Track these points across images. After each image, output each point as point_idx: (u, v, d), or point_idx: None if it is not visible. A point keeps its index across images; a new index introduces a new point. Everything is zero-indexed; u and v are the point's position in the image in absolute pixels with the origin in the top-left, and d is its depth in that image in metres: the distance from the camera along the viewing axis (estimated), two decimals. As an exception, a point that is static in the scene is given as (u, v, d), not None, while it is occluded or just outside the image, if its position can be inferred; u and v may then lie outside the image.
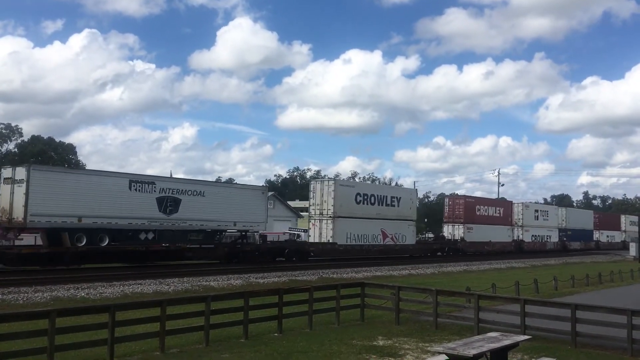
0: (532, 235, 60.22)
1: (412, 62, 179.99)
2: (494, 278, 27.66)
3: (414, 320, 15.92)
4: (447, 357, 9.02)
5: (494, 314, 14.95)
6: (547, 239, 63.41)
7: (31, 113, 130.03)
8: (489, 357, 9.43)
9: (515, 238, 57.82)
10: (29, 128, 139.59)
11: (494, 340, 9.67)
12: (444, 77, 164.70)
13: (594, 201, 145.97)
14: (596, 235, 72.56)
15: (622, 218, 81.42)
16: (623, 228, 79.56)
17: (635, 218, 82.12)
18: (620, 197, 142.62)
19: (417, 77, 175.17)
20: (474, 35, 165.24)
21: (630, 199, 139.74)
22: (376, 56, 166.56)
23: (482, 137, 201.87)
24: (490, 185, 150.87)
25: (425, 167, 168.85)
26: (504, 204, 60.64)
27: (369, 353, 11.76)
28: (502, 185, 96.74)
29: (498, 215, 55.48)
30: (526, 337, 11.08)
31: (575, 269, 37.17)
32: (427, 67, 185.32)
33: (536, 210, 62.80)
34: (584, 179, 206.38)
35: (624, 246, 70.41)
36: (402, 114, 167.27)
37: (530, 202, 70.06)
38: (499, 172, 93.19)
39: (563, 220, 66.95)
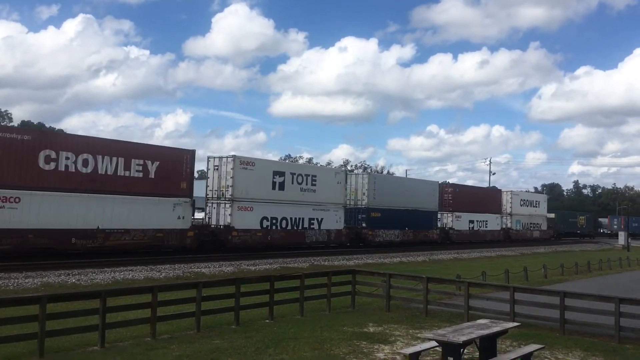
0: (521, 224, 60.21)
1: (407, 51, 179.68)
2: (485, 266, 27.89)
3: (405, 307, 16.02)
4: (437, 344, 9.10)
5: (483, 302, 15.06)
6: (536, 227, 63.55)
7: (23, 98, 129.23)
8: (478, 343, 9.52)
9: (504, 226, 57.35)
10: (21, 113, 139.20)
11: (483, 327, 9.75)
12: (439, 66, 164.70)
13: (584, 190, 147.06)
14: (447, 219, 49.47)
15: (505, 195, 59.28)
16: (507, 209, 58.56)
17: (532, 196, 67.71)
18: (610, 187, 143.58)
19: (412, 66, 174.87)
20: (470, 24, 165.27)
21: (620, 188, 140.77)
22: (372, 44, 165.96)
23: (475, 126, 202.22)
24: (482, 174, 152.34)
25: (418, 156, 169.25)
26: (493, 192, 60.60)
27: (359, 339, 11.83)
28: (494, 174, 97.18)
29: (488, 203, 54.97)
30: (515, 324, 11.18)
31: (564, 257, 37.51)
32: (423, 56, 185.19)
33: (523, 200, 61.91)
34: (575, 168, 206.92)
35: (506, 236, 56.99)
36: (396, 103, 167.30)
37: (520, 191, 68.93)
38: (490, 161, 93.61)
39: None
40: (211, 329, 12.41)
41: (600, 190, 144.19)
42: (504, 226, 57.27)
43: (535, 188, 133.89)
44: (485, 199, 55.11)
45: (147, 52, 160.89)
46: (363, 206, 39.79)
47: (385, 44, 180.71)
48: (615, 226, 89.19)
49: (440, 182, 52.12)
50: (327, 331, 12.54)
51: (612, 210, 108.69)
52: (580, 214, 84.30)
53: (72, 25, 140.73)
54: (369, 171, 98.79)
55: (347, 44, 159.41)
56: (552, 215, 70.35)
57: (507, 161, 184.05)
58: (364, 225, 39.45)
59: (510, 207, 58.06)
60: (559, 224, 70.88)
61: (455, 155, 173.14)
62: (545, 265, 27.34)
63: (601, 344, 12.29)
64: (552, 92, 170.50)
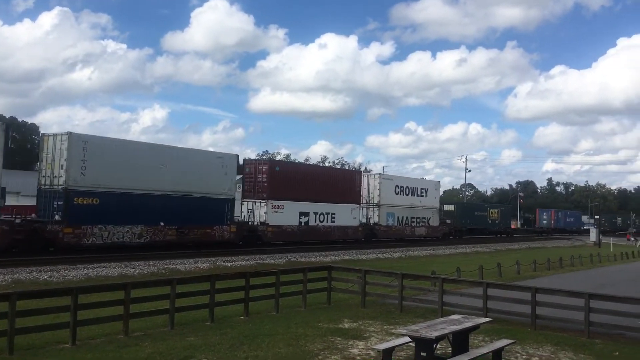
0: (396, 218, 46.19)
1: (386, 48, 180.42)
2: (460, 262, 28.17)
3: (380, 304, 16.11)
4: (410, 339, 9.17)
5: (457, 297, 15.23)
6: (422, 222, 49.69)
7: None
8: (450, 339, 9.62)
9: (365, 221, 43.56)
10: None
11: (456, 322, 9.86)
12: (418, 64, 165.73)
13: (557, 187, 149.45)
14: (259, 210, 34.46)
15: (369, 180, 45.22)
16: (373, 198, 44.65)
17: (416, 183, 50.93)
18: (582, 184, 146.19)
19: (392, 63, 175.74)
20: (449, 23, 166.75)
21: (592, 185, 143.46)
22: (352, 41, 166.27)
23: (453, 123, 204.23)
24: (458, 171, 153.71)
25: (396, 152, 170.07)
26: (348, 175, 43.64)
27: (334, 335, 11.87)
28: (470, 171, 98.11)
29: (338, 190, 39.53)
30: (487, 319, 11.33)
31: (538, 254, 38.08)
32: (402, 54, 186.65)
33: (400, 186, 47.21)
34: (549, 165, 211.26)
35: (369, 234, 43.07)
36: (375, 100, 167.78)
37: (394, 175, 52.92)
38: (466, 158, 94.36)
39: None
40: (185, 326, 12.32)
41: (573, 188, 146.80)
42: (365, 220, 43.59)
43: (510, 185, 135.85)
44: (332, 183, 39.29)
45: (124, 46, 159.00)
46: (59, 187, 24.82)
47: (364, 41, 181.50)
48: (544, 221, 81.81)
49: (247, 158, 37.56)
50: (302, 327, 12.55)
51: (585, 207, 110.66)
52: (491, 206, 71.52)
53: (49, 19, 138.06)
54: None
55: (327, 41, 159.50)
56: (451, 208, 59.68)
57: (484, 158, 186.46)
58: (57, 218, 24.39)
59: (379, 196, 44.21)
60: (460, 218, 57.81)
61: (433, 152, 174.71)
62: (518, 261, 27.73)
63: (571, 338, 12.51)
64: (528, 90, 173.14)
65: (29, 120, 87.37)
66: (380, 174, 48.78)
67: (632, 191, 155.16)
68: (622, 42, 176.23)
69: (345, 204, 40.15)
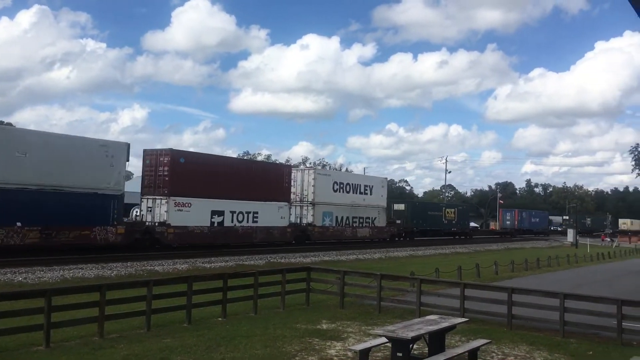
0: (334, 218, 41.30)
1: (368, 50, 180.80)
2: (439, 263, 28.37)
3: (359, 304, 16.14)
4: (387, 340, 9.20)
5: (435, 298, 15.32)
6: (365, 222, 44.97)
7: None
8: (427, 339, 9.67)
9: (297, 221, 38.86)
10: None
11: (432, 322, 9.91)
12: (399, 65, 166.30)
13: (535, 189, 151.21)
14: (159, 209, 29.57)
15: (302, 175, 40.33)
16: (307, 196, 39.66)
17: (358, 179, 46.59)
18: (560, 185, 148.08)
19: (373, 65, 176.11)
20: (430, 24, 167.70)
21: (570, 187, 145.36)
22: (333, 42, 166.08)
23: (434, 125, 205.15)
24: (439, 172, 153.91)
25: (377, 154, 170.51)
26: (274, 169, 39.05)
27: (312, 336, 11.86)
28: (450, 172, 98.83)
29: (262, 186, 34.30)
30: (464, 319, 11.40)
31: (515, 255, 38.50)
32: (383, 55, 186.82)
33: (339, 183, 42.47)
34: (528, 167, 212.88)
35: (302, 236, 38.32)
36: (356, 101, 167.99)
37: (331, 171, 48.24)
38: (446, 160, 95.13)
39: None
40: (162, 327, 12.22)
41: (551, 189, 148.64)
42: (297, 220, 38.97)
43: (490, 186, 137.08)
44: (254, 179, 34.00)
45: (104, 45, 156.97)
46: None
47: (346, 43, 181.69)
48: (508, 222, 77.75)
49: (147, 149, 30.87)
50: (280, 329, 12.52)
51: (562, 209, 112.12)
52: (447, 205, 65.96)
53: (27, 17, 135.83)
54: None
55: (309, 42, 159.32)
56: (402, 207, 54.55)
57: (464, 160, 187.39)
58: None
59: (313, 194, 39.17)
60: (411, 218, 53.52)
61: (414, 153, 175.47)
62: (496, 262, 28.00)
63: (546, 338, 12.66)
64: (508, 93, 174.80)
65: (6, 120, 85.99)
66: (314, 168, 43.21)
67: (609, 192, 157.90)
68: (600, 45, 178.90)
69: (271, 202, 35.04)
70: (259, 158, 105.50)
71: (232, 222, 32.93)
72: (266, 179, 35.22)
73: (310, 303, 16.10)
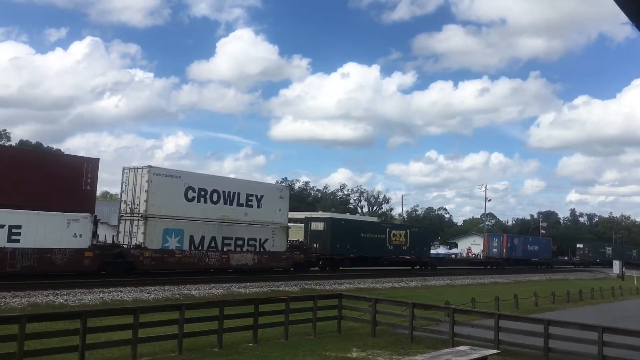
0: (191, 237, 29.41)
1: (408, 78, 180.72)
2: (476, 293, 27.83)
3: (391, 333, 15.97)
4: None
5: (469, 328, 15.03)
6: (250, 245, 32.31)
7: (27, 118, 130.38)
8: (456, 370, 9.52)
9: (117, 241, 28.09)
10: (24, 133, 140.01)
11: (462, 353, 9.76)
12: (439, 93, 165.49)
13: (580, 218, 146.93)
14: None
15: (131, 175, 28.73)
16: (138, 207, 28.10)
17: (237, 186, 32.50)
18: (606, 215, 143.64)
19: (413, 93, 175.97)
20: (471, 53, 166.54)
21: (617, 217, 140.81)
22: (374, 71, 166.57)
23: (474, 152, 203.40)
24: (479, 200, 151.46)
25: (416, 181, 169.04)
26: (55, 162, 25.56)
27: (341, 364, 11.80)
28: (489, 200, 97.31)
29: (26, 185, 22.85)
30: (495, 351, 11.18)
31: (558, 286, 37.42)
32: (423, 83, 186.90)
33: (198, 189, 29.95)
34: (573, 196, 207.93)
35: (113, 264, 26.13)
36: (396, 128, 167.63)
37: (185, 171, 31.50)
38: (486, 187, 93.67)
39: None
40: (193, 351, 12.36)
41: (597, 219, 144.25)
42: (121, 240, 28.20)
43: (532, 215, 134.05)
44: (17, 175, 22.82)
45: (151, 74, 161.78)
46: None
47: (386, 71, 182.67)
48: (494, 249, 64.26)
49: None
50: (310, 355, 12.50)
51: (609, 239, 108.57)
52: (394, 227, 49.65)
53: (80, 48, 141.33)
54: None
55: (349, 70, 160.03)
56: (320, 226, 40.88)
57: (505, 188, 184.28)
58: None
59: (146, 202, 27.62)
60: (333, 241, 40.26)
61: (454, 181, 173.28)
62: (536, 293, 27.28)
63: (584, 373, 12.25)
64: (551, 120, 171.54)
65: (55, 146, 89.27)
66: (150, 166, 28.62)
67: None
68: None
69: (52, 213, 23.48)
70: (297, 185, 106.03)
71: None
72: (44, 177, 23.55)
73: (342, 330, 16.01)
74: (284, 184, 34.79)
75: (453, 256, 77.68)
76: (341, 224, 43.07)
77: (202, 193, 30.33)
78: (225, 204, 31.33)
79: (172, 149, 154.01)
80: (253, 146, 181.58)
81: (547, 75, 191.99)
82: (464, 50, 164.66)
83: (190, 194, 29.77)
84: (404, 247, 47.27)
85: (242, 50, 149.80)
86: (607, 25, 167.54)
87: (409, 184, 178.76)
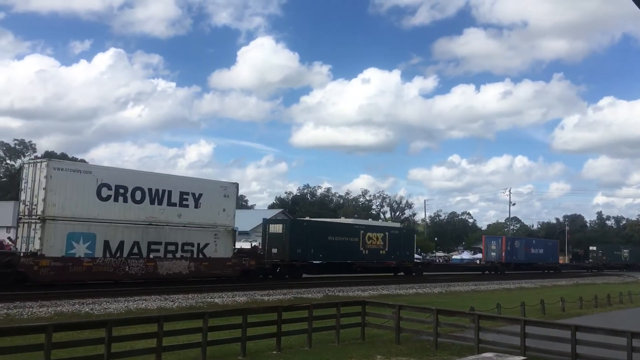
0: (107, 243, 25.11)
1: (429, 82, 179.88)
2: (502, 298, 27.46)
3: (415, 340, 15.84)
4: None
5: (494, 335, 14.83)
6: (185, 251, 28.29)
7: (52, 130, 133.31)
8: (481, 377, 9.39)
9: (22, 248, 23.73)
10: (49, 144, 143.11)
11: (487, 360, 9.63)
12: (461, 97, 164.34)
13: (607, 221, 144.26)
14: None
15: (30, 171, 24.28)
16: (34, 207, 23.71)
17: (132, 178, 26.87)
18: (634, 218, 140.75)
19: (434, 97, 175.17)
20: (492, 56, 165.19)
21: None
22: (394, 76, 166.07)
23: (497, 156, 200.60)
24: (504, 204, 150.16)
25: (439, 186, 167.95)
26: None
27: (365, 372, 11.73)
28: (514, 204, 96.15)
29: None
30: (522, 357, 11.02)
31: (585, 290, 36.75)
32: (445, 87, 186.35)
33: (115, 186, 25.73)
34: (599, 199, 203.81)
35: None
36: (417, 133, 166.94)
37: (96, 165, 31.83)
38: (510, 192, 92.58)
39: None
40: (217, 359, 12.40)
41: (624, 222, 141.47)
42: (21, 246, 23.90)
43: (557, 219, 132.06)
44: None
45: (173, 84, 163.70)
46: None
47: (407, 76, 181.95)
48: (493, 253, 58.87)
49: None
50: (333, 363, 12.45)
51: (637, 242, 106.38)
52: (369, 229, 43.71)
53: (103, 59, 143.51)
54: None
55: (370, 76, 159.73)
56: (278, 229, 36.25)
57: (530, 192, 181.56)
58: None
59: (44, 201, 23.41)
60: (294, 245, 35.62)
61: (478, 185, 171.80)
62: (563, 298, 26.83)
63: (613, 379, 12.00)
64: (575, 122, 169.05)
65: (80, 157, 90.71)
66: (49, 159, 25.83)
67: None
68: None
69: None
70: (319, 192, 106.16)
71: None
72: None
73: (366, 337, 15.93)
74: (233, 183, 31.75)
75: (438, 260, 74.74)
76: (303, 226, 38.57)
77: (121, 191, 26.01)
78: (152, 203, 27.11)
79: (194, 157, 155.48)
80: (275, 153, 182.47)
81: (570, 77, 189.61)
82: (486, 54, 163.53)
83: (105, 192, 25.37)
84: (382, 252, 42.62)
85: (262, 58, 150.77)
86: (631, 25, 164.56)
87: (431, 189, 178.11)
